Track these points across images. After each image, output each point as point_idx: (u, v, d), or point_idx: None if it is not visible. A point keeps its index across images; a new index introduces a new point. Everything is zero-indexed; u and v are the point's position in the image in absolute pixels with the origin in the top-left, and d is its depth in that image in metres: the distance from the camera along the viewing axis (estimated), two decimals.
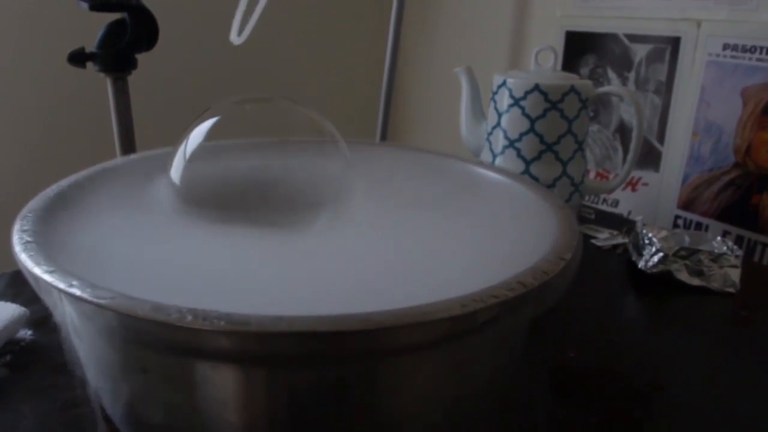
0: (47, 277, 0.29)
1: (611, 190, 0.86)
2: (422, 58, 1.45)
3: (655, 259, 0.68)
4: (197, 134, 0.49)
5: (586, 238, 0.82)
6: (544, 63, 0.84)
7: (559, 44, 1.13)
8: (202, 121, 0.50)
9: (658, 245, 0.69)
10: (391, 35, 1.29)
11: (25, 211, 0.37)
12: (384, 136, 1.31)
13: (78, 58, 0.77)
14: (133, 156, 0.52)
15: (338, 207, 0.46)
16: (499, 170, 0.53)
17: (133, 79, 0.81)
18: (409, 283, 0.35)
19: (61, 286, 0.29)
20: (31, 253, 0.32)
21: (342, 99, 1.51)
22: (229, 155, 0.52)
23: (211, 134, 0.49)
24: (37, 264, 0.31)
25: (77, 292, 0.28)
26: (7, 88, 1.16)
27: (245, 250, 0.40)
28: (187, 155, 0.48)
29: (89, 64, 0.78)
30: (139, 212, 0.44)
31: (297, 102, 0.54)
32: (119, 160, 0.49)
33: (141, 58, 0.81)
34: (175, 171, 0.48)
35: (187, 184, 0.47)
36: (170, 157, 0.48)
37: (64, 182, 0.43)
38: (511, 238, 0.39)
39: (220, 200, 0.46)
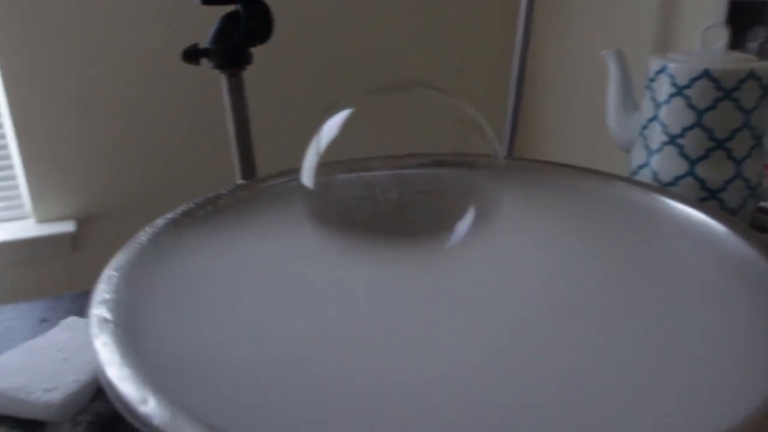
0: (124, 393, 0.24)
1: None
2: (558, 38, 1.32)
3: None
4: (329, 132, 0.42)
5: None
6: (712, 43, 0.71)
7: (720, 15, 0.98)
8: (333, 114, 0.42)
9: None
10: (523, 13, 1.17)
11: (110, 268, 0.32)
12: (514, 126, 1.20)
13: (192, 54, 0.73)
14: (239, 184, 0.46)
15: (487, 234, 0.38)
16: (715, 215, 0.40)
17: (248, 74, 0.77)
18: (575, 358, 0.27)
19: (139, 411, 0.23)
20: (107, 349, 0.26)
21: (468, 84, 1.41)
22: (367, 168, 0.45)
23: (344, 131, 0.42)
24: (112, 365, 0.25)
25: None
26: (120, 89, 1.16)
27: (375, 295, 0.33)
28: (321, 156, 0.41)
29: (203, 61, 0.74)
30: (253, 247, 0.38)
31: (440, 88, 0.45)
32: (223, 190, 0.43)
33: (256, 52, 0.76)
34: (308, 175, 0.41)
35: (321, 190, 0.40)
36: (301, 159, 0.41)
37: (159, 222, 0.37)
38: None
39: (355, 215, 0.39)
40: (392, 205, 0.39)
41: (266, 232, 0.40)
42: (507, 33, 1.29)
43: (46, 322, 0.56)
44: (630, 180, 0.42)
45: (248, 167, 0.78)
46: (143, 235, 0.34)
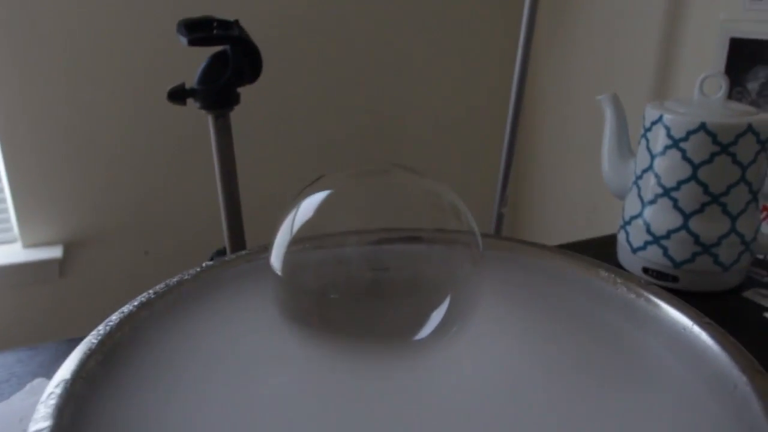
0: None
1: None
2: (555, 80, 1.30)
3: None
4: (304, 210, 0.40)
5: (758, 309, 0.67)
6: (710, 92, 0.69)
7: (722, 54, 0.96)
8: (310, 193, 0.41)
9: None
10: (520, 56, 1.15)
11: (52, 384, 0.29)
12: (508, 168, 1.18)
13: (178, 95, 0.71)
14: (203, 267, 0.43)
15: (462, 331, 0.36)
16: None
17: (236, 114, 0.75)
18: None
19: None
20: None
21: (462, 130, 1.40)
22: (341, 244, 0.43)
23: (320, 210, 0.40)
24: None
25: None
26: (110, 117, 1.15)
27: (337, 407, 0.32)
28: (293, 238, 0.39)
29: (189, 101, 0.73)
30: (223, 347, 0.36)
31: (420, 172, 0.44)
32: (186, 275, 0.41)
33: (244, 92, 0.74)
34: (277, 257, 0.39)
35: (289, 276, 0.38)
36: (272, 238, 0.40)
37: (114, 318, 0.35)
38: None
39: (325, 307, 0.37)
40: (365, 289, 0.38)
41: (231, 332, 0.38)
42: (503, 75, 1.27)
43: (15, 378, 0.55)
44: (615, 271, 0.40)
45: (233, 206, 0.77)
46: (94, 338, 0.32)
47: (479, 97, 1.40)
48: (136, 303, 0.36)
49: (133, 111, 1.16)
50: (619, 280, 0.38)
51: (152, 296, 0.37)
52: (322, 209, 0.39)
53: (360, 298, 0.37)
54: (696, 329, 0.33)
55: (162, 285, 0.38)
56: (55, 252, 1.18)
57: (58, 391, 0.28)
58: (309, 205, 0.39)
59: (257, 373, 0.34)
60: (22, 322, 1.20)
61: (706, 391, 0.30)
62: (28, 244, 1.19)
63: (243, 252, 0.43)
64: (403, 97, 1.34)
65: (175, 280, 0.39)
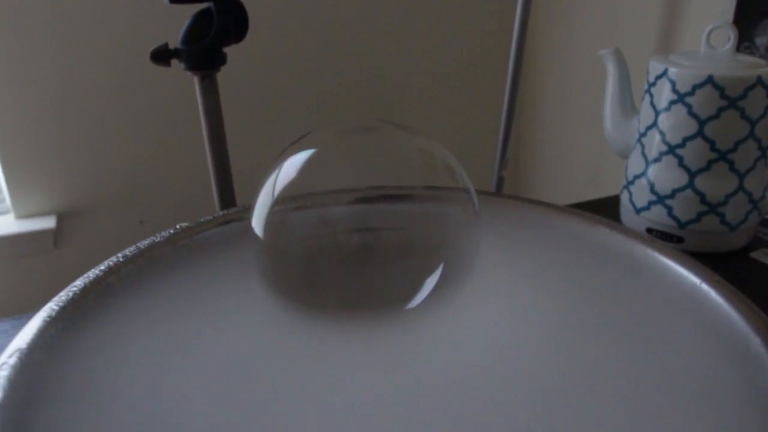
0: None
1: None
2: (556, 37, 1.26)
3: None
4: (288, 170, 0.37)
5: (765, 270, 0.65)
6: (717, 44, 0.66)
7: (730, 7, 0.92)
8: (295, 152, 0.38)
9: None
10: (520, 9, 1.11)
11: (6, 354, 0.27)
12: (508, 129, 1.15)
13: (161, 55, 0.68)
14: (180, 228, 0.40)
15: (456, 293, 0.34)
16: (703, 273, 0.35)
17: (222, 76, 0.72)
18: None
19: None
20: None
21: (462, 82, 1.36)
22: (327, 203, 0.41)
23: (303, 173, 0.38)
24: None
25: None
26: (98, 85, 1.12)
27: (325, 377, 0.29)
28: (276, 199, 0.36)
29: (174, 62, 0.70)
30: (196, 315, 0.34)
31: (412, 129, 0.41)
32: (158, 237, 0.38)
33: (230, 52, 0.71)
34: (258, 219, 0.37)
35: (272, 238, 0.36)
36: (254, 200, 0.37)
37: (78, 283, 0.33)
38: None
39: (311, 272, 0.35)
40: (353, 254, 0.35)
41: (206, 298, 0.35)
42: (504, 31, 1.23)
43: None
44: (616, 227, 0.38)
45: (222, 169, 0.74)
46: (55, 304, 0.30)
47: (477, 54, 1.36)
48: (102, 267, 0.33)
49: (119, 75, 1.13)
50: (620, 236, 0.36)
51: (120, 260, 0.34)
52: (306, 169, 0.36)
53: (348, 263, 0.35)
54: (704, 287, 0.31)
55: (132, 248, 0.36)
56: (49, 222, 1.16)
57: (11, 361, 0.26)
58: (292, 165, 0.37)
59: (235, 344, 0.32)
60: (17, 293, 1.18)
61: (716, 352, 0.28)
62: (21, 215, 1.17)
63: (219, 213, 0.40)
64: (398, 53, 1.30)
65: (146, 242, 0.36)
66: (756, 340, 0.26)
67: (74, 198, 1.19)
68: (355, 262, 0.35)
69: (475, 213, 0.36)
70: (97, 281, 0.33)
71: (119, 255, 0.35)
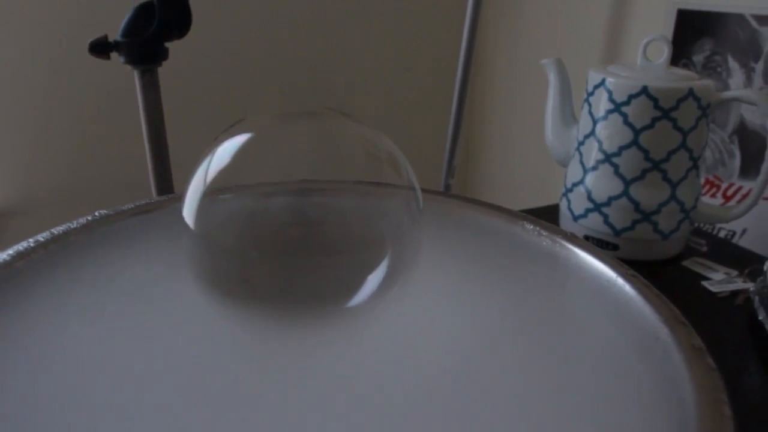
0: None
1: (732, 220, 0.70)
2: (504, 47, 1.28)
3: None
4: (221, 158, 0.36)
5: (697, 278, 0.67)
6: (654, 57, 0.68)
7: (669, 26, 0.95)
8: (230, 137, 0.36)
9: None
10: (468, 18, 1.13)
11: None
12: (456, 133, 1.16)
13: (101, 47, 0.67)
14: (99, 215, 0.39)
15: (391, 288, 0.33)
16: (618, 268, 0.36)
17: (164, 71, 0.71)
18: None
19: None
20: None
21: (410, 89, 1.36)
22: (263, 194, 0.39)
23: (239, 157, 0.36)
24: None
25: None
26: (22, 82, 1.08)
27: (246, 374, 0.29)
28: (207, 188, 0.35)
29: (114, 55, 0.68)
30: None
31: (354, 117, 0.40)
32: (74, 223, 0.37)
33: (172, 47, 0.70)
34: (190, 210, 0.35)
35: (203, 229, 0.34)
36: (185, 189, 0.35)
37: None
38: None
39: (243, 261, 0.34)
40: (289, 247, 0.34)
41: (124, 284, 0.34)
42: (453, 39, 1.24)
43: None
44: (540, 224, 0.38)
45: (161, 164, 0.73)
46: None
47: (425, 61, 1.36)
48: (10, 252, 0.32)
49: (56, 67, 1.09)
50: (544, 233, 0.37)
51: (31, 245, 0.33)
52: (240, 156, 0.35)
53: (285, 257, 0.34)
54: (620, 281, 0.31)
55: (45, 233, 0.34)
56: None
57: None
58: (225, 152, 0.35)
59: (165, 341, 0.31)
60: None
61: (628, 342, 0.28)
62: None
63: (141, 202, 0.39)
64: (345, 57, 1.29)
65: (61, 228, 0.35)
66: (664, 330, 0.27)
67: (9, 197, 1.15)
68: (293, 256, 0.34)
69: (418, 209, 0.36)
70: (3, 265, 0.31)
71: (30, 240, 0.33)
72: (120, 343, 0.29)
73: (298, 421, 0.26)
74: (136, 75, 0.70)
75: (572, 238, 0.35)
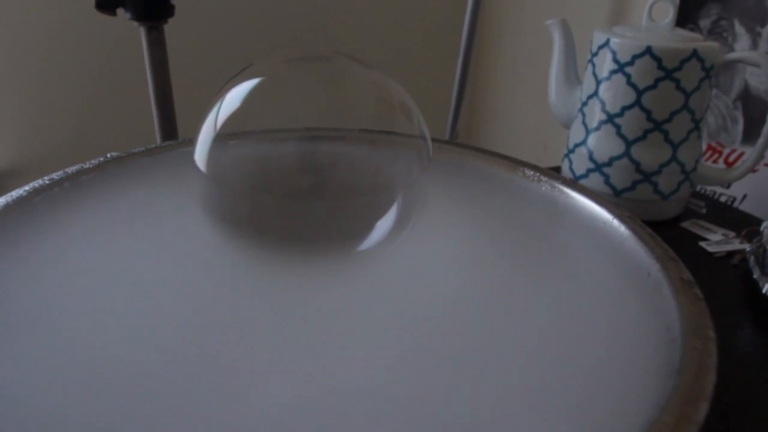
0: None
1: (731, 181, 0.70)
2: (510, 7, 1.28)
3: None
4: (231, 102, 0.36)
5: (695, 239, 0.67)
6: (659, 18, 0.68)
7: None
8: (239, 82, 0.37)
9: None
10: None
11: None
12: (460, 97, 1.16)
13: (107, 4, 0.67)
14: (110, 157, 0.39)
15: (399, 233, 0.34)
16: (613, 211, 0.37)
17: (170, 28, 0.71)
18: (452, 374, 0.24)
19: None
20: None
21: (414, 50, 1.36)
22: (273, 140, 0.40)
23: (249, 102, 0.36)
24: None
25: None
26: (26, 40, 1.08)
27: (258, 306, 0.30)
28: (218, 130, 0.35)
29: (120, 11, 0.69)
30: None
31: (365, 62, 0.40)
32: (87, 163, 0.37)
33: (179, 3, 0.70)
34: (201, 154, 0.35)
35: (215, 172, 0.35)
36: (196, 133, 0.36)
37: (14, 194, 0.33)
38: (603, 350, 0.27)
39: (254, 204, 0.35)
40: (300, 191, 0.35)
41: (137, 222, 0.35)
42: (459, 2, 1.23)
43: None
44: (540, 169, 0.39)
45: (168, 126, 0.74)
46: None
47: (431, 23, 1.36)
48: (27, 188, 0.33)
49: (61, 23, 1.09)
50: (543, 179, 0.37)
51: (46, 182, 0.34)
52: (250, 101, 0.35)
53: (296, 201, 0.35)
54: (616, 222, 0.32)
55: (60, 172, 0.35)
56: None
57: None
58: (235, 96, 0.35)
59: (174, 277, 0.32)
60: None
61: (622, 278, 0.30)
62: None
63: (152, 145, 0.40)
64: (351, 19, 1.29)
65: (74, 168, 0.36)
66: (656, 266, 0.28)
67: (15, 154, 1.16)
68: (304, 199, 0.35)
69: (428, 157, 0.36)
70: (20, 200, 0.32)
71: (45, 178, 0.34)
72: (127, 262, 0.31)
73: (297, 357, 0.27)
74: (142, 32, 0.70)
75: (570, 183, 0.36)
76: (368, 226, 0.33)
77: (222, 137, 0.35)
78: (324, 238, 0.34)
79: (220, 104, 0.36)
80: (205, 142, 0.34)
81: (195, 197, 0.35)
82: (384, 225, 0.33)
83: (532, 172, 0.38)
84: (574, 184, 0.37)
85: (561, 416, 0.23)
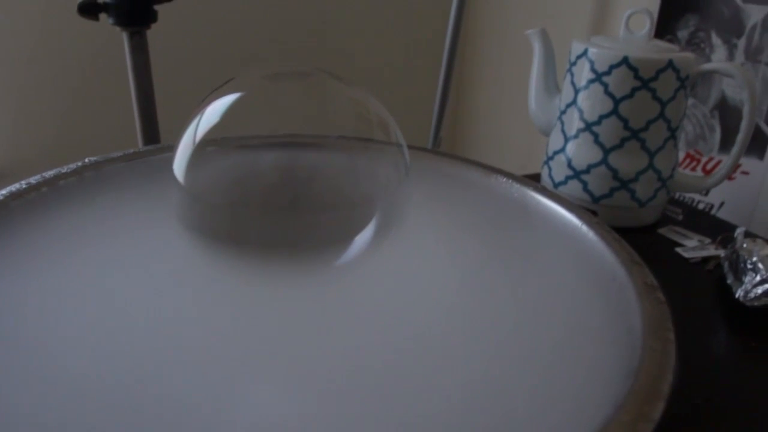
0: None
1: (707, 188, 0.72)
2: (493, 17, 1.29)
3: (759, 290, 0.55)
4: (211, 115, 0.37)
5: (671, 245, 0.69)
6: (636, 29, 0.70)
7: (655, 1, 0.96)
8: (219, 96, 0.37)
9: (765, 272, 0.55)
10: None
11: None
12: (443, 105, 1.17)
13: (89, 8, 0.67)
14: (87, 162, 0.40)
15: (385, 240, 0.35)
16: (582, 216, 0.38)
17: (153, 33, 0.71)
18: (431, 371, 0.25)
19: None
20: None
21: (397, 59, 1.37)
22: (252, 150, 0.40)
23: (229, 116, 0.37)
24: None
25: None
26: (10, 44, 1.08)
27: (234, 318, 0.30)
28: (197, 143, 0.36)
29: (103, 16, 0.69)
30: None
31: (345, 80, 0.40)
32: (65, 168, 0.38)
33: (162, 9, 0.71)
34: (180, 165, 0.36)
35: (193, 183, 0.35)
36: (176, 144, 0.36)
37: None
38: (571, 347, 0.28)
39: (232, 218, 0.35)
40: (278, 205, 0.36)
41: (113, 226, 0.35)
42: (441, 10, 1.25)
43: None
44: (513, 176, 0.40)
45: (150, 131, 0.74)
46: None
47: (414, 32, 1.37)
48: (4, 192, 0.33)
49: (43, 27, 1.09)
50: (516, 185, 0.38)
51: (24, 187, 0.34)
52: (230, 115, 0.36)
53: (275, 214, 0.35)
54: (584, 228, 0.33)
55: (37, 177, 0.35)
56: None
57: None
58: (215, 110, 0.36)
59: (149, 289, 0.32)
60: None
61: (589, 281, 0.30)
62: None
63: (129, 150, 0.40)
64: (335, 27, 1.30)
65: (51, 172, 0.36)
66: (621, 270, 0.28)
67: None
68: (282, 210, 0.35)
69: (406, 168, 0.37)
70: None
71: (22, 182, 0.34)
72: (105, 276, 0.31)
73: (276, 371, 0.27)
74: (125, 37, 0.70)
75: (542, 190, 0.37)
76: (347, 239, 0.33)
77: (201, 145, 0.35)
78: (302, 251, 0.34)
79: (200, 117, 0.36)
80: (184, 154, 0.35)
81: (173, 208, 0.35)
82: (362, 238, 0.34)
83: (504, 179, 0.39)
84: (544, 190, 0.38)
85: (523, 414, 0.23)
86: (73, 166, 0.37)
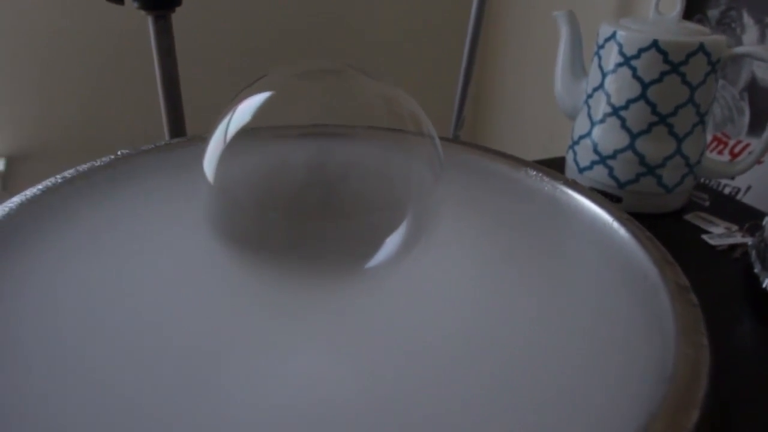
0: None
1: (736, 175, 0.71)
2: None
3: None
4: (243, 113, 0.36)
5: (697, 232, 0.68)
6: (666, 11, 0.68)
7: None
8: (251, 94, 0.37)
9: None
10: None
11: None
12: (466, 86, 1.16)
13: None
14: (121, 154, 0.40)
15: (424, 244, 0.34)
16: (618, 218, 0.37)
17: (177, 17, 0.71)
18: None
19: None
20: None
21: (421, 40, 1.35)
22: (283, 146, 0.40)
23: (260, 114, 0.36)
24: None
25: None
26: (36, 29, 1.08)
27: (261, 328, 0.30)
28: (228, 143, 0.35)
29: (128, 0, 0.69)
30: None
31: (374, 75, 0.40)
32: (98, 161, 0.38)
33: None
34: (210, 163, 0.36)
35: (222, 183, 0.35)
36: (205, 143, 0.36)
37: (15, 200, 0.33)
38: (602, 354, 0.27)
39: (261, 220, 0.35)
40: (309, 207, 0.35)
41: (143, 225, 0.35)
42: None
43: None
44: (543, 170, 0.40)
45: (175, 115, 0.74)
46: None
47: (438, 13, 1.35)
48: (40, 187, 0.34)
49: (68, 11, 1.09)
50: (546, 179, 0.38)
51: (59, 181, 0.35)
52: (260, 114, 0.35)
53: (305, 216, 0.34)
54: (615, 225, 0.33)
55: (71, 171, 0.36)
56: None
57: None
58: (247, 109, 0.36)
59: (178, 292, 0.32)
60: None
61: (620, 282, 0.30)
62: None
63: (161, 142, 0.40)
64: (359, 8, 1.29)
65: (85, 166, 0.37)
66: (654, 270, 0.28)
67: (23, 140, 1.17)
68: (311, 216, 0.34)
69: (440, 165, 0.36)
70: (33, 200, 0.33)
71: (57, 177, 0.35)
72: (130, 275, 0.31)
73: (302, 376, 0.27)
74: (149, 21, 0.70)
75: (573, 184, 0.37)
76: (378, 243, 0.33)
77: (232, 143, 0.35)
78: (332, 254, 0.34)
79: (231, 116, 0.36)
80: (214, 153, 0.35)
81: (202, 209, 0.35)
82: (394, 241, 0.33)
83: (535, 173, 0.39)
84: (575, 184, 0.37)
85: (553, 420, 0.23)
86: (106, 159, 0.38)
